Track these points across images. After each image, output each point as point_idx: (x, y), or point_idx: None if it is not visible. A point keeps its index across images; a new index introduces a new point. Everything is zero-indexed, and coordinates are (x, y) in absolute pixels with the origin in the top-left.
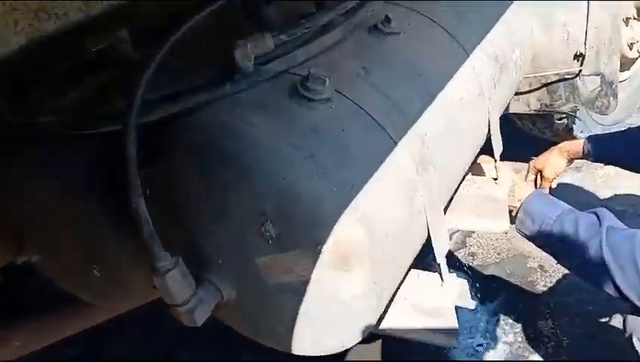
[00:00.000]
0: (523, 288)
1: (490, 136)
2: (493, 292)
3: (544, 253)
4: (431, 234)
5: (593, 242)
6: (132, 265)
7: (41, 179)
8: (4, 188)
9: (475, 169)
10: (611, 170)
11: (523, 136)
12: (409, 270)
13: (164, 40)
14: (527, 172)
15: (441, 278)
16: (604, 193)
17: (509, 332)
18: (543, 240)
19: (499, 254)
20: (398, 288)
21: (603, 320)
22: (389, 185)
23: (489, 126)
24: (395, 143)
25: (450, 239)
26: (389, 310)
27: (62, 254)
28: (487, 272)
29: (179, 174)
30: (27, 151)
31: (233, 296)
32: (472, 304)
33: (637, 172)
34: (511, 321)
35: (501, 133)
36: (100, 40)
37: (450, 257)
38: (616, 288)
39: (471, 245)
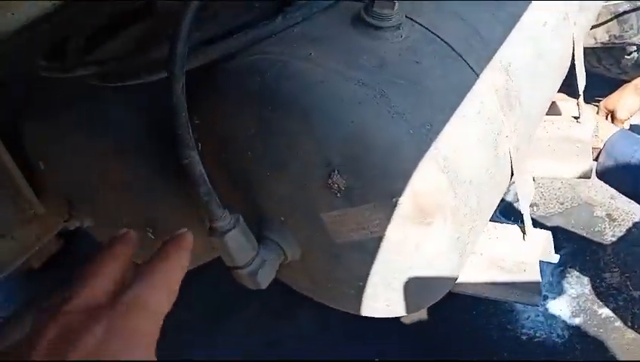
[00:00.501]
0: (589, 238)
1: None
2: (558, 243)
3: (612, 201)
4: (516, 181)
5: None
6: (189, 225)
7: (86, 137)
8: (51, 149)
9: (550, 108)
10: None
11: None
12: None
13: None
14: (597, 113)
15: (523, 231)
16: None
17: (575, 285)
18: (629, 185)
19: (562, 204)
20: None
21: None
22: (472, 126)
23: (573, 56)
24: (477, 76)
25: (509, 190)
26: (467, 268)
27: (113, 217)
28: (550, 223)
29: (232, 123)
30: (69, 110)
31: (298, 256)
32: (556, 258)
33: None
34: (577, 274)
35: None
36: None
37: (510, 208)
38: None
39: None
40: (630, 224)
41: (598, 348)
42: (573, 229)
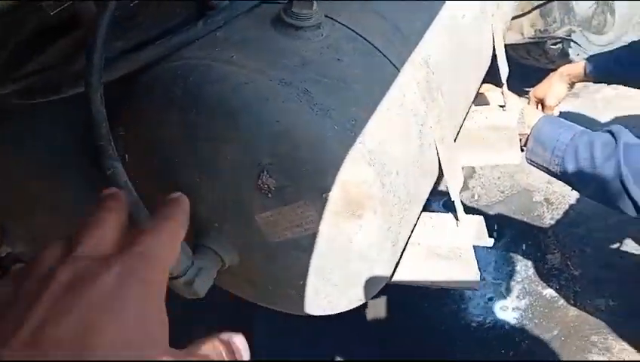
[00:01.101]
0: (530, 223)
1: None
2: (501, 230)
3: (549, 186)
4: (444, 170)
5: (610, 162)
6: None
7: (14, 157)
8: None
9: (478, 99)
10: (610, 92)
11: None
12: (420, 213)
13: None
14: (528, 102)
15: (456, 218)
16: (606, 116)
17: (520, 269)
18: (556, 167)
19: (502, 192)
20: (411, 233)
21: (614, 246)
22: (395, 118)
23: (494, 47)
24: (398, 70)
25: None
26: (404, 257)
27: (48, 239)
28: (492, 212)
29: (158, 131)
30: None
31: (236, 261)
32: (490, 242)
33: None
34: (520, 258)
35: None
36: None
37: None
38: (637, 208)
39: (473, 186)
40: (567, 206)
41: (546, 328)
42: (514, 215)
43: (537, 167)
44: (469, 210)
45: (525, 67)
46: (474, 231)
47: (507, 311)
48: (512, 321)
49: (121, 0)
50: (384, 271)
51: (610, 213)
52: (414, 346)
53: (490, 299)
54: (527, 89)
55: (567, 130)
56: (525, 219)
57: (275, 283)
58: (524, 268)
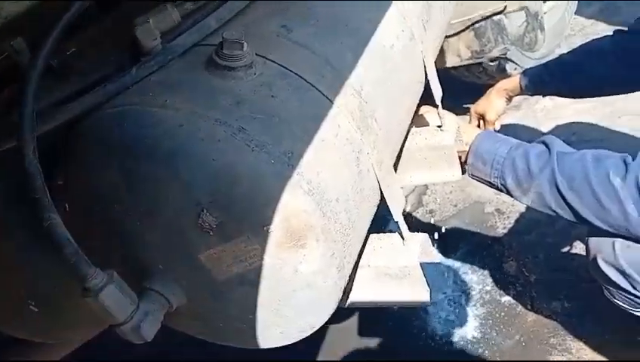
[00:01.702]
0: (484, 234)
1: (427, 83)
2: (457, 244)
3: (499, 197)
4: (384, 193)
5: (546, 171)
6: (69, 291)
7: None
8: None
9: (418, 121)
10: (549, 102)
11: (460, 87)
12: (368, 235)
13: (45, 40)
14: (470, 119)
15: (402, 237)
16: (546, 126)
17: (479, 281)
18: (497, 180)
19: (455, 206)
20: (360, 256)
21: (565, 250)
22: (331, 148)
23: (425, 71)
24: (331, 102)
25: (406, 200)
26: (355, 280)
27: None
28: (447, 226)
29: (96, 179)
30: None
31: (184, 302)
32: (437, 257)
33: (574, 97)
34: (478, 268)
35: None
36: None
37: (409, 218)
38: (574, 213)
39: (427, 203)
40: (517, 215)
41: (507, 335)
42: (468, 228)
43: (480, 181)
44: (424, 225)
45: (469, 84)
46: (420, 249)
47: (468, 321)
48: (474, 332)
49: (56, 49)
50: (332, 296)
51: (557, 218)
52: None
53: (451, 312)
54: (470, 105)
55: (503, 144)
56: (479, 231)
57: (226, 320)
58: (481, 277)
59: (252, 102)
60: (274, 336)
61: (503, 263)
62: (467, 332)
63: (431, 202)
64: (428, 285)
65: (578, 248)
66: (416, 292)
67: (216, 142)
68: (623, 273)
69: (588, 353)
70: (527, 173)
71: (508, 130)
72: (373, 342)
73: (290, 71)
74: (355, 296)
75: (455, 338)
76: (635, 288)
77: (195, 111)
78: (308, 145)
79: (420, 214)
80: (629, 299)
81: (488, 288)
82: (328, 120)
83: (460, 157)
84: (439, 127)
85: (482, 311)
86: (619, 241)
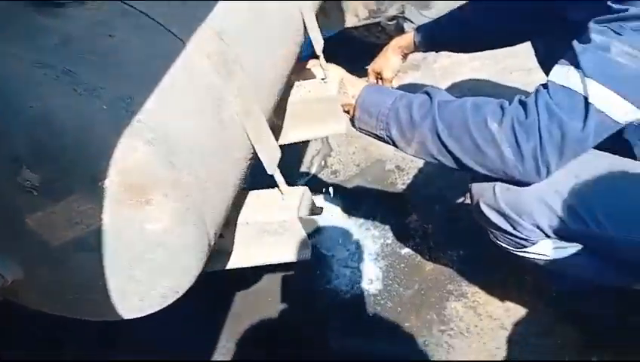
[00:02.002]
0: (385, 191)
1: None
2: (360, 202)
3: (397, 154)
4: (253, 144)
5: (427, 120)
6: None
7: None
8: None
9: (304, 74)
10: (446, 61)
11: (361, 48)
12: (247, 191)
13: None
14: (368, 78)
15: (280, 190)
16: (444, 84)
17: (380, 236)
18: (382, 132)
19: (358, 165)
20: (238, 213)
21: (459, 201)
22: (183, 94)
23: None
24: (184, 44)
25: (312, 163)
26: (236, 240)
27: None
28: (351, 185)
29: None
30: None
31: (21, 275)
32: (320, 210)
33: (466, 51)
34: (379, 224)
35: (340, 49)
36: None
37: (314, 179)
38: (455, 159)
39: (332, 164)
40: (416, 171)
41: (407, 285)
42: (370, 186)
43: (368, 135)
44: (330, 186)
45: (369, 45)
46: (298, 203)
47: (371, 275)
48: (377, 284)
49: None
50: (193, 255)
51: (452, 171)
52: (290, 324)
53: (355, 268)
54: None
55: (388, 96)
56: (380, 188)
57: (74, 291)
58: (382, 232)
59: (84, 42)
60: (134, 305)
61: (403, 217)
62: (371, 286)
63: (335, 163)
64: (308, 238)
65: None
66: (296, 247)
67: (35, 86)
68: (503, 215)
69: (482, 296)
70: (409, 123)
71: (408, 89)
72: (281, 306)
73: (134, 8)
74: (236, 257)
75: (359, 292)
76: (515, 229)
77: (12, 52)
78: (153, 91)
79: (324, 175)
80: (511, 239)
81: (389, 241)
82: (180, 63)
83: (348, 111)
84: (323, 79)
85: (384, 264)
86: (498, 184)
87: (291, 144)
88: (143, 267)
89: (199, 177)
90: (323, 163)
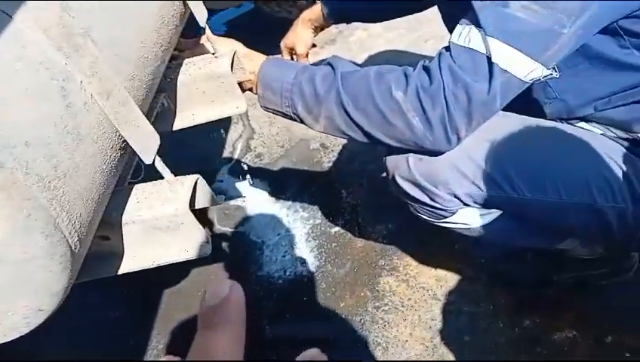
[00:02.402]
0: (311, 170)
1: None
2: (287, 184)
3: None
4: (120, 131)
5: (332, 94)
6: None
7: None
8: None
9: (198, 51)
10: (363, 34)
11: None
12: (130, 186)
13: None
14: (282, 55)
15: (168, 182)
16: (360, 58)
17: (309, 217)
18: (288, 109)
19: (282, 146)
20: (121, 211)
21: (385, 174)
22: (10, 76)
23: None
24: (10, 16)
25: (235, 148)
26: (125, 240)
27: None
28: (276, 168)
29: None
30: None
31: None
32: (220, 199)
33: (375, 21)
34: (307, 205)
35: (251, 24)
36: None
37: (238, 165)
38: (364, 133)
39: (255, 147)
40: (340, 147)
41: (339, 264)
42: (297, 167)
43: (276, 114)
44: (254, 170)
45: (282, 21)
46: (188, 194)
47: (303, 257)
48: (309, 266)
49: None
50: (49, 268)
51: (354, 141)
52: None
53: (286, 252)
54: None
55: (289, 69)
56: (306, 168)
57: None
58: (311, 212)
59: None
60: (18, 323)
61: (331, 196)
62: (303, 268)
63: (259, 146)
64: (206, 234)
65: None
66: (194, 242)
67: None
68: (419, 186)
69: (413, 268)
70: (314, 98)
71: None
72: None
73: None
74: (127, 259)
75: (292, 276)
76: (432, 200)
77: None
78: None
79: (249, 159)
80: (430, 211)
81: (319, 222)
82: (6, 38)
83: (251, 89)
84: (214, 54)
85: (315, 245)
86: (412, 156)
87: (211, 129)
88: None
89: (44, 175)
90: (246, 146)
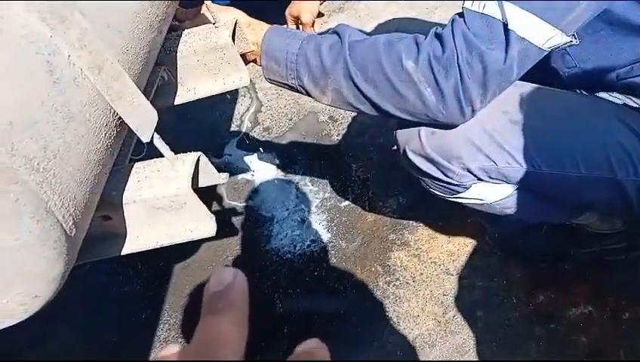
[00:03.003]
0: (320, 143)
1: None
2: (296, 157)
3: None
4: (114, 106)
5: (339, 64)
6: None
7: None
8: None
9: (199, 20)
10: (371, 1)
11: None
12: (130, 164)
13: None
14: (287, 25)
15: (168, 160)
16: (370, 26)
17: (319, 191)
18: (294, 81)
19: (291, 120)
20: (122, 190)
21: (395, 147)
22: None
23: None
24: None
25: (242, 121)
26: (127, 221)
27: None
28: (285, 141)
29: None
30: None
31: None
32: (223, 177)
33: None
34: (316, 179)
35: None
36: None
37: (247, 138)
38: (374, 106)
39: (263, 120)
40: (350, 120)
41: (350, 238)
42: (305, 140)
43: (281, 87)
44: (262, 144)
45: None
46: (192, 171)
47: (313, 232)
48: (320, 241)
49: None
50: (42, 253)
51: (364, 114)
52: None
53: (296, 227)
54: None
55: (294, 39)
56: (315, 141)
57: None
58: (321, 186)
59: None
60: (13, 309)
61: (340, 169)
62: (314, 243)
63: (267, 119)
64: (208, 212)
65: None
66: (198, 222)
67: None
68: (431, 161)
69: (425, 243)
70: (321, 69)
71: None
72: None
73: None
74: (130, 240)
75: (302, 251)
76: (445, 175)
77: None
78: None
79: (257, 133)
80: (443, 187)
81: (329, 196)
82: None
83: (255, 61)
84: (214, 24)
85: (325, 219)
86: (423, 129)
87: (218, 103)
88: None
89: (29, 157)
90: (254, 120)
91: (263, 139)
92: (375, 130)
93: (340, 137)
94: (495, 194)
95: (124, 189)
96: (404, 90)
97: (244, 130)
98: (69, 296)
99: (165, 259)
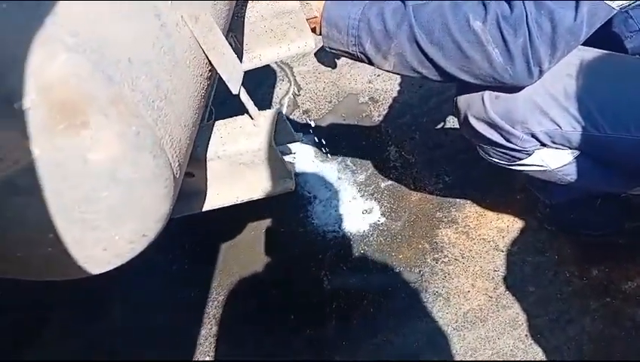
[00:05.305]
0: (361, 125)
1: None
2: (337, 139)
3: (371, 85)
4: (208, 55)
5: (403, 28)
6: None
7: None
8: None
9: None
10: None
11: None
12: (212, 122)
13: None
14: None
15: (249, 115)
16: None
17: (361, 171)
18: (355, 48)
19: (330, 102)
20: (205, 147)
21: (439, 127)
22: None
23: None
24: None
25: (282, 105)
26: (208, 177)
27: None
28: (325, 123)
29: None
30: None
31: None
32: (298, 136)
33: None
34: (359, 160)
35: None
36: None
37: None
38: (438, 69)
39: (302, 103)
40: (390, 101)
41: (395, 217)
42: (346, 122)
43: (340, 54)
44: (303, 126)
45: None
46: (272, 127)
47: (358, 212)
48: (364, 220)
49: None
50: (156, 191)
51: (428, 97)
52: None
53: (338, 206)
54: None
55: (355, 5)
56: (356, 122)
57: (21, 247)
58: (364, 167)
59: None
60: (98, 257)
61: (382, 149)
62: (359, 222)
63: (306, 102)
64: (290, 171)
65: (450, 122)
66: (277, 177)
67: None
68: (494, 126)
69: (473, 220)
70: (384, 34)
71: None
72: (268, 253)
73: None
74: (210, 196)
75: (347, 230)
76: (508, 140)
77: None
78: None
79: (296, 116)
80: (504, 153)
81: (370, 175)
82: None
83: (314, 29)
84: None
85: (368, 198)
86: (487, 93)
87: (257, 86)
88: (97, 208)
89: (148, 93)
90: (293, 103)
91: (303, 121)
92: (417, 110)
93: (380, 118)
94: (558, 161)
95: (208, 145)
96: (471, 51)
97: (284, 112)
98: (119, 276)
99: (212, 239)
